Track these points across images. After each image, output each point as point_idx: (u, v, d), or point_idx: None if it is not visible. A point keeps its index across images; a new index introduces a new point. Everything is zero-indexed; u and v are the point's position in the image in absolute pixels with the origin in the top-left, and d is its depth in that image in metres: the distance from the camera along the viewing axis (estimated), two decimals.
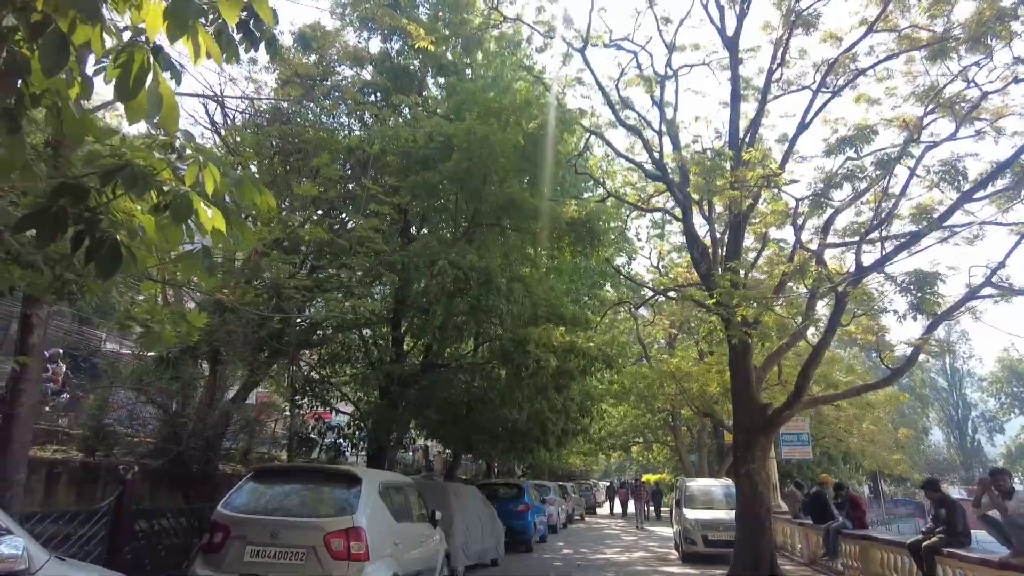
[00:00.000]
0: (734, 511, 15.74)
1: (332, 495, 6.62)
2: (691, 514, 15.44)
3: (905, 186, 11.38)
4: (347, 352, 15.32)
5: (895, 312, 10.90)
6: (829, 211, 12.33)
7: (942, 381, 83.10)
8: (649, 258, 23.38)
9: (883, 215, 11.63)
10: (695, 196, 13.66)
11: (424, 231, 13.11)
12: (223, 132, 13.30)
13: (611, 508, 44.93)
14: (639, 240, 21.53)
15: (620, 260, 21.58)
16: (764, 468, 13.05)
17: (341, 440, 14.21)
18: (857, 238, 12.31)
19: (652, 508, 37.43)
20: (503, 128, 10.97)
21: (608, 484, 52.18)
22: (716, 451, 34.85)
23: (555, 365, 10.45)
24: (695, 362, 17.57)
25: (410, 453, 33.67)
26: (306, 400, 13.72)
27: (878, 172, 10.94)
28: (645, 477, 45.69)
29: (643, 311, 25.73)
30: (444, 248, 10.43)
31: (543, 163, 12.10)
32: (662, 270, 19.32)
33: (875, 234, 12.01)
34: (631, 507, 38.94)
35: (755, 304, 11.39)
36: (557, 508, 23.13)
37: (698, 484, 17.31)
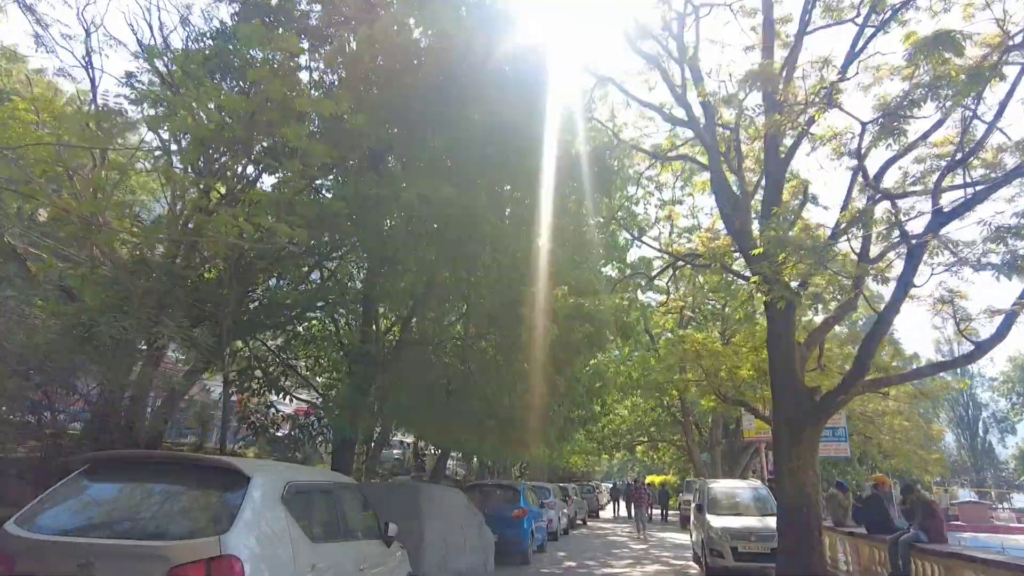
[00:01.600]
0: (767, 517, 13.36)
1: (199, 502, 4.22)
2: (717, 521, 13.01)
3: (1000, 111, 8.96)
4: (314, 336, 12.98)
5: (992, 268, 8.48)
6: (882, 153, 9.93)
7: (952, 381, 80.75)
8: (659, 236, 20.98)
9: (968, 147, 9.21)
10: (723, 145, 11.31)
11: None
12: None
13: (615, 511, 42.68)
14: (648, 210, 19.08)
15: (625, 237, 19.18)
16: (812, 466, 10.65)
17: (295, 432, 11.79)
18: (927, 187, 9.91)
19: (658, 511, 35.05)
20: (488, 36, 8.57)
21: (612, 485, 49.94)
22: (728, 450, 32.43)
23: (556, 334, 8.02)
24: (721, 341, 15.14)
25: (396, 451, 31.28)
26: (253, 384, 11.33)
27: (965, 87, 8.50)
28: (649, 478, 43.25)
29: (651, 296, 23.41)
30: (411, 179, 8.02)
31: (543, 89, 9.68)
32: (677, 241, 16.91)
33: (952, 178, 9.62)
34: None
35: (806, 258, 8.98)
36: (558, 512, 20.69)
37: (723, 486, 14.87)
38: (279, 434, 11.91)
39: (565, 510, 22.97)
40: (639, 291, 23.38)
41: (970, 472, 75.60)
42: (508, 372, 8.83)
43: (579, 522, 27.57)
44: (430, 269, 8.98)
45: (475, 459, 24.56)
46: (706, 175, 19.78)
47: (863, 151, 9.19)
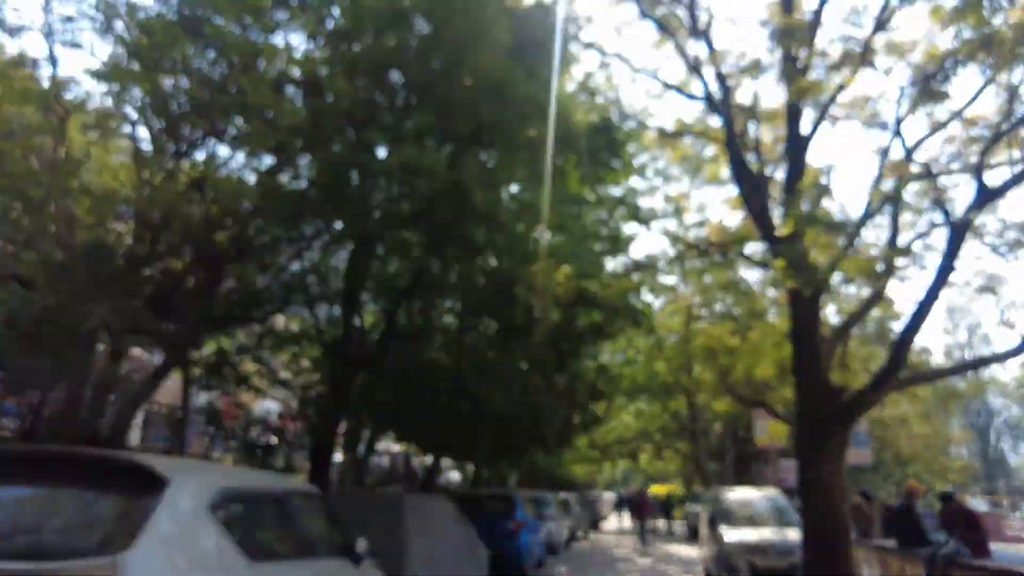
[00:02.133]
0: (787, 529, 12.29)
1: (99, 512, 3.23)
2: (731, 534, 11.95)
3: None
4: (292, 332, 12.00)
5: None
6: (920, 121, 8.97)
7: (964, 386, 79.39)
8: (666, 231, 19.93)
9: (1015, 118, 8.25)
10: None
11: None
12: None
13: (619, 520, 41.43)
14: (654, 203, 18.06)
15: (629, 229, 18.15)
16: (840, 472, 9.61)
17: (267, 437, 10.76)
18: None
19: (662, 522, 33.83)
20: None
21: (617, 496, 48.63)
22: (737, 459, 31.27)
23: (557, 320, 6.99)
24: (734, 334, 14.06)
25: (386, 459, 30.15)
26: (221, 382, 10.34)
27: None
28: (653, 489, 42.02)
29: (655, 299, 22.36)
30: (395, 148, 7.05)
31: (547, 55, 8.71)
32: (686, 235, 15.87)
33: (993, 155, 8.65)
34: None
35: (837, 235, 8.02)
36: (558, 524, 19.56)
37: (737, 496, 13.80)
38: (251, 438, 10.88)
39: (566, 522, 21.83)
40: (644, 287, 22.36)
41: (982, 481, 74.25)
42: (502, 367, 7.78)
43: (579, 535, 26.41)
44: (417, 251, 7.99)
45: (469, 467, 23.45)
46: (716, 164, 18.86)
47: (900, 118, 8.22)
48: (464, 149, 7.48)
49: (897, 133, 8.54)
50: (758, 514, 12.87)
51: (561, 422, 8.44)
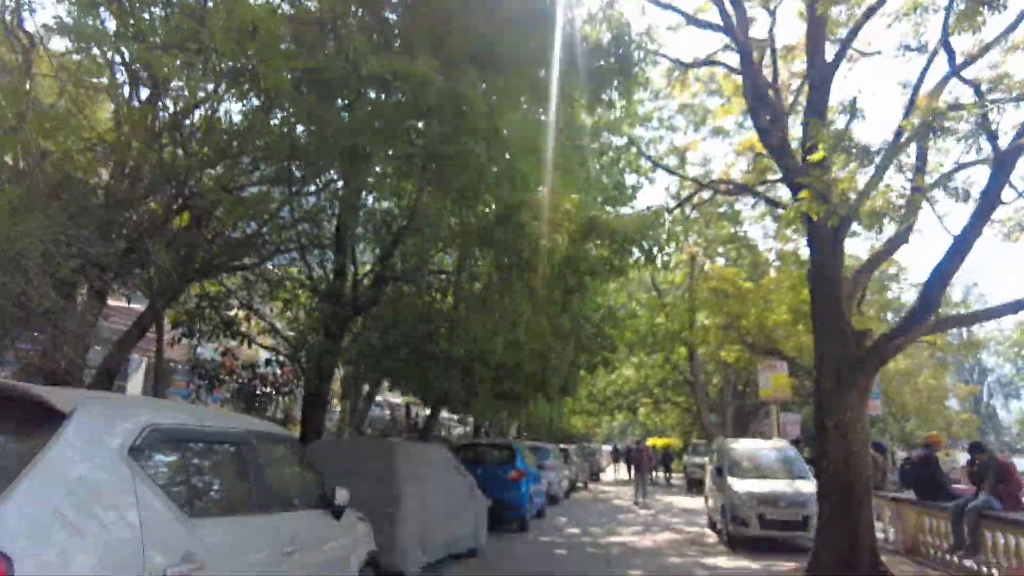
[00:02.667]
0: (797, 481, 11.85)
1: None
2: (740, 485, 11.49)
3: None
4: (282, 278, 11.29)
5: None
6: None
7: (940, 351, 79.41)
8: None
9: None
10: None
11: None
12: None
13: (615, 473, 41.75)
14: (662, 146, 17.13)
15: (631, 180, 17.31)
16: (861, 421, 9.05)
17: (255, 383, 10.13)
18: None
19: (662, 474, 33.92)
20: None
21: (612, 448, 49.01)
22: (737, 412, 31.09)
23: (564, 251, 6.24)
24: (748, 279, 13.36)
25: (387, 411, 29.88)
26: (203, 327, 9.67)
27: None
28: (650, 441, 42.09)
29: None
30: (381, 57, 6.18)
31: None
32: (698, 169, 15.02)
33: None
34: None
35: (870, 160, 7.24)
36: (558, 475, 19.31)
37: (745, 446, 13.35)
38: (245, 387, 10.27)
39: (566, 472, 21.63)
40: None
41: (977, 435, 74.81)
42: (505, 305, 7.06)
43: (580, 485, 26.34)
44: (412, 184, 7.21)
45: (469, 418, 23.10)
46: (727, 109, 17.86)
47: (948, 28, 7.33)
48: (461, 57, 6.61)
49: (945, 41, 7.65)
50: (767, 465, 12.42)
51: (566, 366, 7.79)
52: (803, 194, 7.86)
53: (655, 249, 6.86)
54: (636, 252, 6.94)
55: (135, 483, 2.54)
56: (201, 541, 2.83)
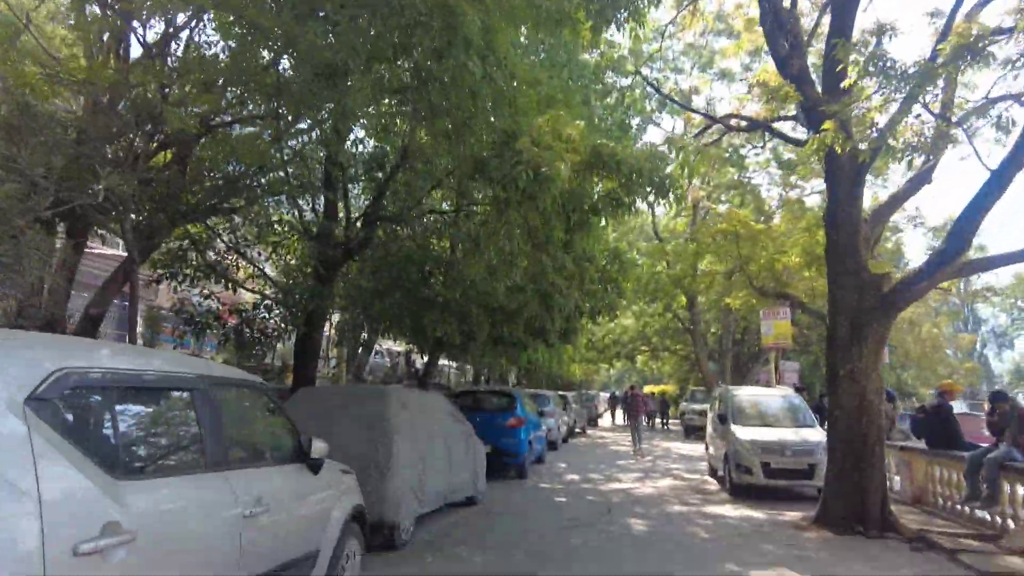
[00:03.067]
0: (803, 430, 11.56)
1: None
2: (744, 433, 11.21)
3: None
4: (272, 221, 10.70)
5: None
6: None
7: (955, 298, 79.34)
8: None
9: None
10: None
11: None
12: None
13: (613, 419, 42.11)
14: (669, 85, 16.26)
15: (635, 122, 16.47)
16: (876, 369, 8.66)
17: (243, 328, 9.65)
18: None
19: (659, 420, 34.11)
20: None
21: (610, 395, 49.36)
22: (734, 361, 30.98)
23: (567, 182, 5.62)
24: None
25: (387, 359, 29.70)
26: (186, 271, 9.15)
27: None
28: (647, 389, 42.23)
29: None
30: None
31: None
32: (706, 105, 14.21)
33: None
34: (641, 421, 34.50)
35: (902, 90, 6.57)
36: (557, 421, 19.18)
37: (749, 394, 13.04)
38: (233, 332, 9.79)
39: (565, 418, 21.56)
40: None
41: (976, 385, 75.60)
42: (501, 242, 6.47)
43: (578, 431, 26.39)
44: (400, 97, 6.53)
45: (468, 365, 22.85)
46: (737, 45, 16.89)
47: None
48: None
49: None
50: (772, 414, 12.13)
51: (569, 309, 7.27)
52: (827, 124, 7.22)
53: (667, 183, 6.26)
54: (646, 187, 6.33)
55: (33, 441, 2.03)
56: (129, 508, 2.35)
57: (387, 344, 30.49)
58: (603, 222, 6.96)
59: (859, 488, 8.38)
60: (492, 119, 5.62)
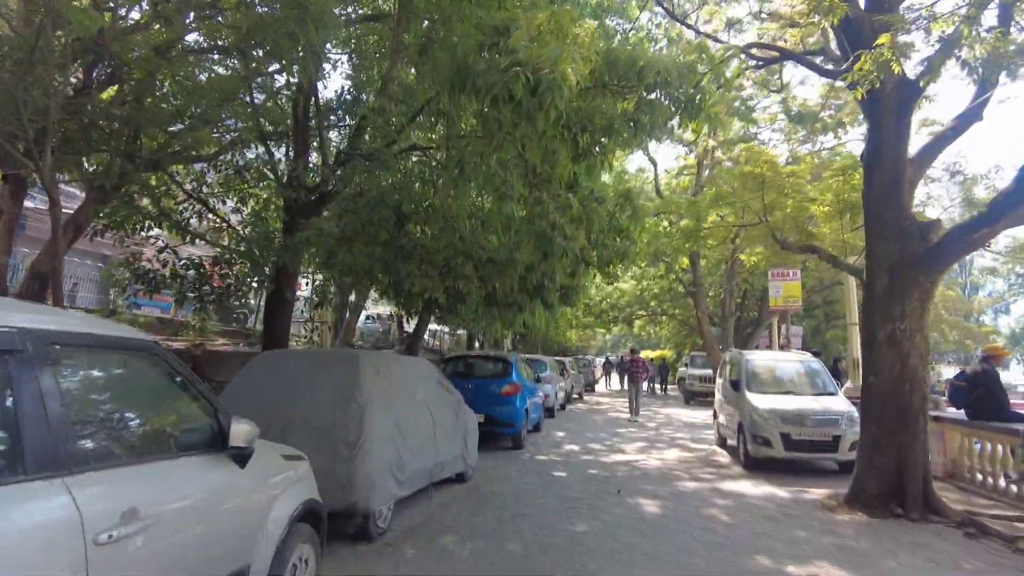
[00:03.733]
0: (824, 398, 10.58)
1: None
2: (761, 401, 10.24)
3: None
4: (240, 166, 9.51)
5: None
6: None
7: (992, 254, 78.70)
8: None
9: None
10: None
11: None
12: None
13: (608, 384, 41.51)
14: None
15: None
16: (922, 330, 7.61)
17: (197, 282, 8.49)
18: None
19: (658, 386, 33.41)
20: None
21: (604, 360, 48.77)
22: (736, 324, 30.07)
23: (573, 92, 4.39)
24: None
25: (376, 323, 28.69)
26: (133, 221, 7.96)
27: None
28: (643, 354, 41.40)
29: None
30: None
31: None
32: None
33: None
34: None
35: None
36: (554, 387, 18.26)
37: (764, 359, 12.04)
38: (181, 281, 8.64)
39: (562, 384, 20.67)
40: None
41: (958, 352, 75.57)
42: (496, 170, 5.28)
43: (575, 396, 25.59)
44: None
45: (462, 331, 21.84)
46: None
47: None
48: None
49: None
50: (790, 380, 11.15)
51: (573, 255, 6.09)
52: (883, 38, 6.01)
53: (699, 99, 5.05)
54: (672, 106, 5.12)
55: None
56: None
57: (379, 308, 29.46)
58: (616, 150, 5.70)
59: (898, 464, 7.43)
60: (480, 14, 4.43)
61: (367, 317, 30.27)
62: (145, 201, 9.03)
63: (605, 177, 12.05)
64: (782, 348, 23.37)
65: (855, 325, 14.61)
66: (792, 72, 46.87)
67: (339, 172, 7.70)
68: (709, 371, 25.02)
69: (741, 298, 30.61)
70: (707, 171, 25.16)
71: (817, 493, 8.34)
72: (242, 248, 8.05)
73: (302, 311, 16.92)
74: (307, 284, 12.77)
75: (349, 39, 9.05)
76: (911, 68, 8.08)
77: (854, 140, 22.78)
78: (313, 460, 5.61)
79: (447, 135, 6.38)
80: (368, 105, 8.77)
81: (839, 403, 10.19)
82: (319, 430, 5.64)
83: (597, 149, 4.99)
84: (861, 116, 23.35)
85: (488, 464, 9.85)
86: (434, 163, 7.40)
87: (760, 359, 11.85)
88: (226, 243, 8.66)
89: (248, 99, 9.71)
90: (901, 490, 7.38)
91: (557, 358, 24.44)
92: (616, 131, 4.77)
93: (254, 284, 8.38)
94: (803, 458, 9.87)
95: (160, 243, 8.73)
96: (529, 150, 5.28)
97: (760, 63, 9.40)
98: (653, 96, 4.94)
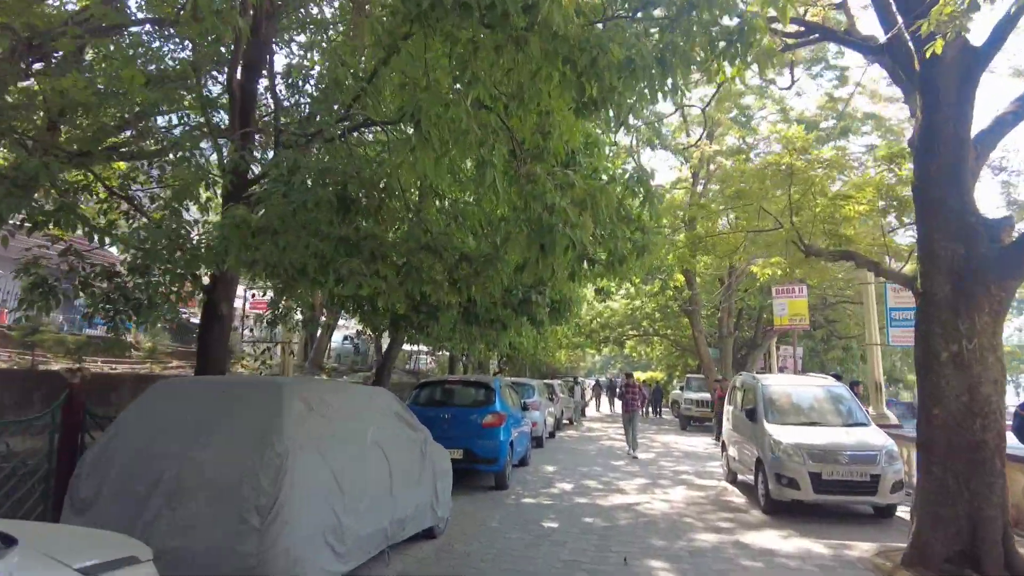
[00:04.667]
0: (856, 429, 9.17)
1: None
2: (784, 434, 8.79)
3: None
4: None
5: None
6: None
7: None
8: None
9: None
10: None
11: None
12: None
13: (598, 407, 39.95)
14: None
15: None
16: (995, 350, 6.22)
17: (112, 294, 6.90)
18: None
19: (650, 410, 31.90)
20: None
21: (595, 382, 47.29)
22: (732, 345, 28.69)
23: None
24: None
25: (349, 344, 27.04)
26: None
27: None
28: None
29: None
30: None
31: None
32: None
33: None
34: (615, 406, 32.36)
35: None
36: (543, 414, 16.70)
37: (781, 383, 10.58)
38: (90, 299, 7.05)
39: (551, 410, 19.10)
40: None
41: (1015, 375, 74.70)
42: (461, 124, 3.81)
43: (565, 422, 24.02)
44: None
45: (442, 351, 20.24)
46: None
47: None
48: None
49: None
50: (814, 408, 9.72)
51: (580, 253, 4.58)
52: None
53: (745, 30, 3.66)
54: (715, 37, 3.71)
55: None
56: None
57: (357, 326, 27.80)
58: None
59: (971, 517, 5.99)
60: None
61: (345, 338, 28.54)
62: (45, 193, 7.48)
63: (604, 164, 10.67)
64: (781, 371, 22.08)
65: (876, 345, 13.28)
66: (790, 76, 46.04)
67: (272, 153, 6.22)
68: (707, 395, 23.59)
69: (736, 317, 29.31)
70: (701, 185, 23.95)
71: (863, 549, 6.88)
72: (148, 247, 6.43)
73: (264, 330, 15.31)
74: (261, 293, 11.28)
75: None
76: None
77: (856, 149, 21.76)
78: (212, 533, 4.06)
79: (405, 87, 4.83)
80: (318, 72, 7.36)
81: (875, 436, 8.75)
82: (223, 490, 4.11)
83: (608, 96, 3.56)
84: (866, 125, 22.47)
85: (465, 509, 8.30)
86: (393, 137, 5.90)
87: (777, 384, 10.40)
88: (130, 241, 7.04)
89: (194, 83, 8.31)
90: (975, 549, 5.94)
91: (546, 381, 22.92)
92: (635, 71, 3.37)
93: (170, 295, 6.81)
94: (839, 503, 8.41)
95: (62, 245, 7.16)
96: (517, 105, 3.88)
97: (787, 42, 8.09)
98: (689, 16, 3.52)
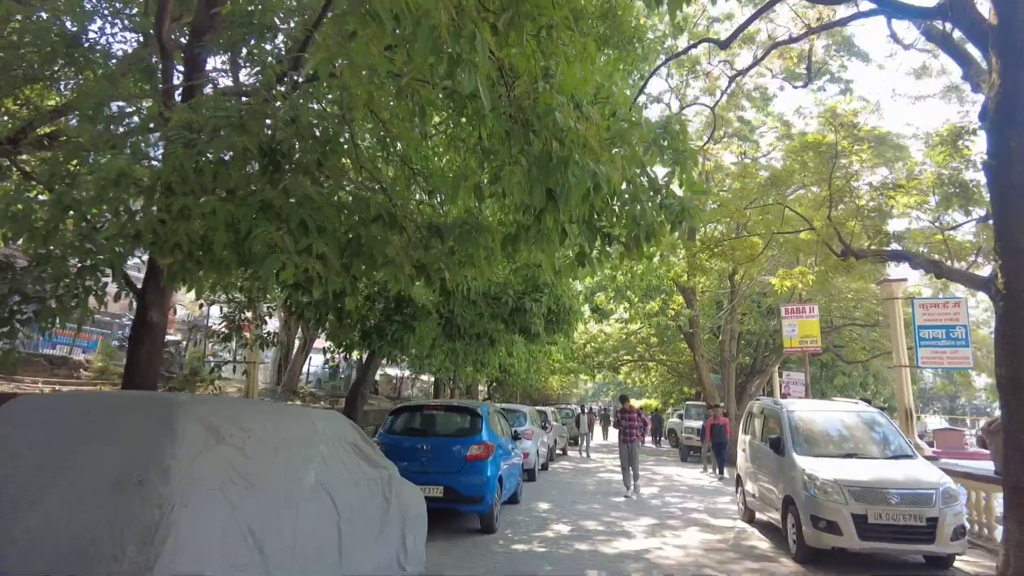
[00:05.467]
0: (903, 461, 7.92)
1: None
2: (818, 468, 7.51)
3: None
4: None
5: None
6: None
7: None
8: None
9: None
10: None
11: None
12: None
13: (591, 434, 38.30)
14: None
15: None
16: None
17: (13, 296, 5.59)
18: None
19: (649, 439, 30.46)
20: None
21: (588, 409, 45.70)
22: (735, 372, 27.40)
23: None
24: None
25: (326, 367, 25.54)
26: None
27: None
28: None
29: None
30: None
31: None
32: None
33: None
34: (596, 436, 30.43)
35: None
36: (536, 443, 15.30)
37: (808, 409, 9.30)
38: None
39: (544, 439, 17.66)
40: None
41: (943, 400, 73.93)
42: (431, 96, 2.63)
43: (559, 452, 22.58)
44: None
45: (427, 374, 18.89)
46: None
47: None
48: None
49: None
50: (850, 438, 8.45)
51: (605, 201, 3.44)
52: None
53: None
54: None
55: None
56: None
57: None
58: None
59: None
60: None
61: (325, 360, 27.07)
62: None
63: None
64: (784, 398, 20.83)
65: (906, 367, 12.07)
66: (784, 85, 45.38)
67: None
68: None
69: (738, 342, 28.08)
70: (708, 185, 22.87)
71: None
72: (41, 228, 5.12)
73: (224, 346, 13.94)
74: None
75: None
76: None
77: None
78: None
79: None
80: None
81: (927, 471, 7.48)
82: (63, 556, 2.79)
83: None
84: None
85: (444, 561, 6.93)
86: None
87: (804, 410, 9.13)
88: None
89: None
90: None
91: (538, 408, 21.54)
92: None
93: (78, 294, 5.51)
94: (888, 552, 7.11)
95: None
96: (508, 20, 2.72)
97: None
98: None
